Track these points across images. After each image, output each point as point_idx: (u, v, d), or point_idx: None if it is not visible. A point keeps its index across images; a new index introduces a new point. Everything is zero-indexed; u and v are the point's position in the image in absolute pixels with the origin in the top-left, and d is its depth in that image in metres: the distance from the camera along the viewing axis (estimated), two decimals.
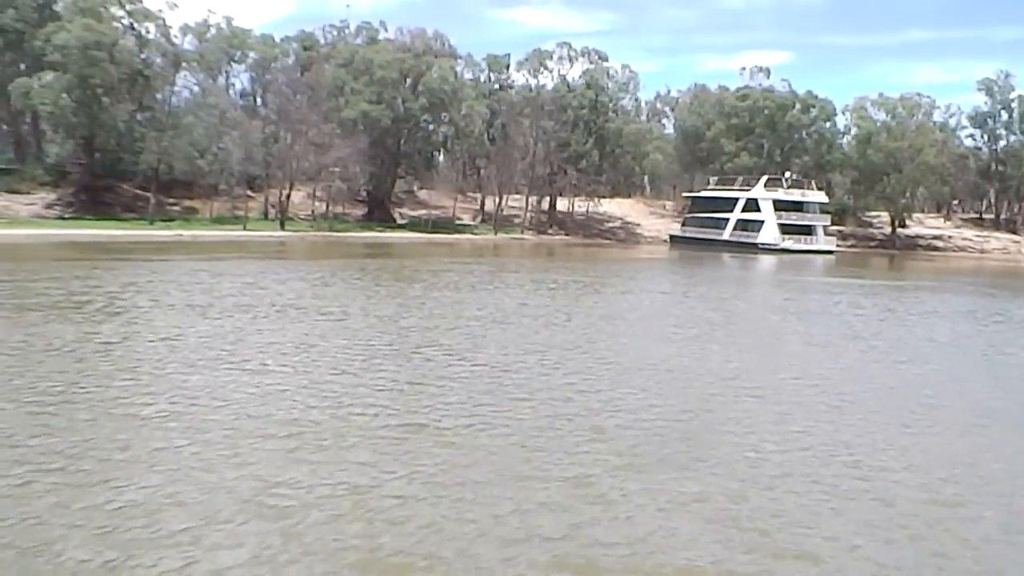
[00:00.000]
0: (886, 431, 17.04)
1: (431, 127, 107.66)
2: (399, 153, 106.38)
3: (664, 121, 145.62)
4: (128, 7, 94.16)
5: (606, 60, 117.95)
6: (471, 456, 14.23)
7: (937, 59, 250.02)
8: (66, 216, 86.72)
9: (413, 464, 13.65)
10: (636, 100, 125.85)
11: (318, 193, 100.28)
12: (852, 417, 18.13)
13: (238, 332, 25.63)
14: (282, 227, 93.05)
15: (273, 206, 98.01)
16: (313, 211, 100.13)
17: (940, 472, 14.49)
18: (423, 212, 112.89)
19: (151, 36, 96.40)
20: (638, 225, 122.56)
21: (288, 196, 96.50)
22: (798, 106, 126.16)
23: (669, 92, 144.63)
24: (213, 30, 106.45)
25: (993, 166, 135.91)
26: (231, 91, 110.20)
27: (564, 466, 13.83)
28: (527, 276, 52.43)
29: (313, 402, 17.27)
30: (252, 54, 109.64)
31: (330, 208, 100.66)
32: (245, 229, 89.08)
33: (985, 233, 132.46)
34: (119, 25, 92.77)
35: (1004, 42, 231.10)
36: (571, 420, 16.65)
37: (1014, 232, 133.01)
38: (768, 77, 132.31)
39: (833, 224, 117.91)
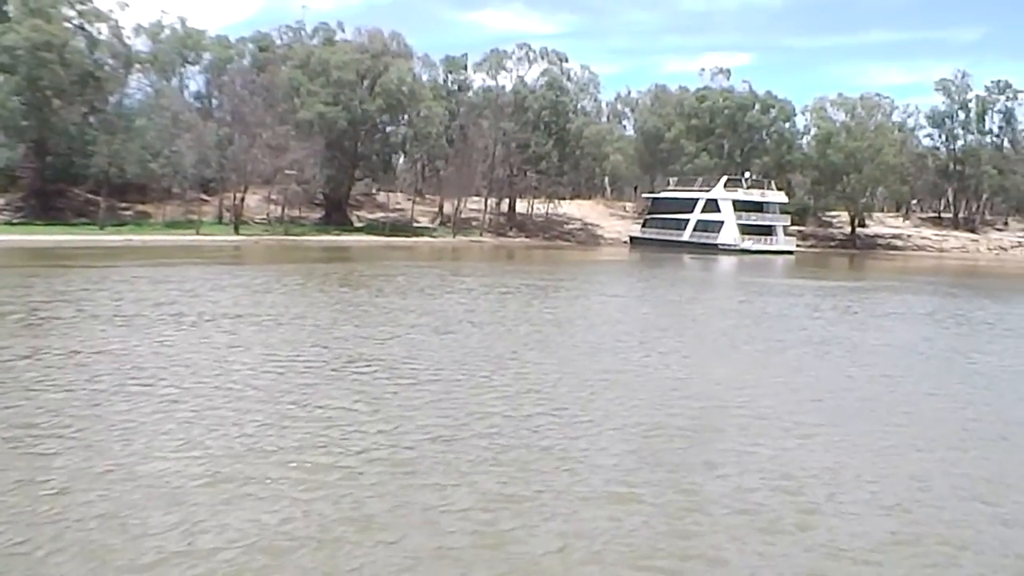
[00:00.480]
0: (839, 450, 15.78)
1: (389, 128, 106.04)
2: (356, 155, 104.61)
3: (625, 123, 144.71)
4: (79, 7, 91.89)
5: (566, 61, 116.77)
6: (377, 493, 12.81)
7: (897, 60, 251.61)
8: (15, 221, 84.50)
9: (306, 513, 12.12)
10: (596, 101, 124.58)
11: (274, 196, 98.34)
12: (804, 436, 16.88)
13: (158, 347, 24.04)
14: (236, 231, 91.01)
15: (228, 210, 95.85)
16: (268, 215, 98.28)
17: (897, 496, 13.26)
18: (381, 215, 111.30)
19: (103, 37, 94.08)
20: (598, 227, 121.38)
21: (242, 199, 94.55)
22: (758, 106, 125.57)
23: (630, 93, 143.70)
24: (167, 31, 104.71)
25: (951, 166, 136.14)
26: (185, 93, 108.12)
27: (474, 514, 12.44)
28: (479, 280, 50.90)
29: (198, 432, 15.46)
30: (207, 55, 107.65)
31: (286, 211, 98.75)
32: (198, 234, 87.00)
33: (944, 232, 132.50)
34: (69, 26, 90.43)
35: (964, 43, 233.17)
36: (496, 453, 15.22)
37: (972, 231, 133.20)
38: (728, 78, 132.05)
39: (793, 224, 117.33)
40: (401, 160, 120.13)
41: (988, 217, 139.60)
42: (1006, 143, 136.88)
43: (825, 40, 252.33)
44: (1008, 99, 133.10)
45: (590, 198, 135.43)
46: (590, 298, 42.24)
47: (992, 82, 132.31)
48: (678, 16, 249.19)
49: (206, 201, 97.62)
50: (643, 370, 23.25)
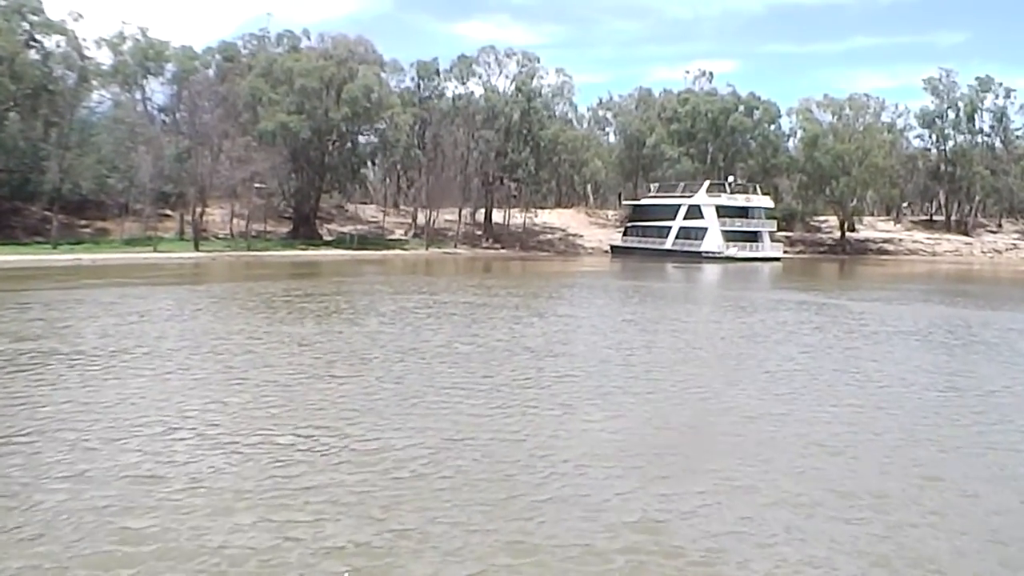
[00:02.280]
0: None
1: (357, 138, 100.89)
2: (323, 166, 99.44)
3: (608, 129, 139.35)
4: (31, 19, 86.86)
5: (538, 61, 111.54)
6: None
7: (882, 65, 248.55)
8: None
9: None
10: (572, 105, 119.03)
11: (240, 211, 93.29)
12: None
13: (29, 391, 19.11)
14: (196, 248, 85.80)
15: (190, 225, 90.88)
16: (232, 230, 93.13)
17: None
18: (354, 228, 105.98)
19: (60, 49, 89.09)
20: (579, 236, 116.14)
21: (201, 214, 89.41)
22: (741, 109, 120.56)
23: (612, 98, 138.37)
24: (129, 42, 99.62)
25: (942, 167, 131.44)
26: (148, 105, 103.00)
27: None
28: (429, 298, 45.85)
29: None
30: (169, 66, 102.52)
31: (253, 226, 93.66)
32: (155, 251, 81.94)
33: (936, 235, 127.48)
34: (20, 38, 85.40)
35: (948, 47, 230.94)
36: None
37: (965, 233, 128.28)
38: (711, 81, 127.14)
39: (781, 230, 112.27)
40: (374, 171, 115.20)
41: (981, 219, 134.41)
42: (998, 143, 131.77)
43: (810, 46, 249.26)
44: (997, 98, 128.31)
45: (571, 207, 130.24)
46: (555, 319, 36.94)
47: (976, 79, 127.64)
48: (663, 25, 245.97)
49: (168, 216, 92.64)
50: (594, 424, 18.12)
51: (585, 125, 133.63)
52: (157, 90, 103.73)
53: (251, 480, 13.70)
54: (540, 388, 21.23)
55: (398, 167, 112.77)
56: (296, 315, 36.11)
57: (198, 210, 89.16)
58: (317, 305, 40.45)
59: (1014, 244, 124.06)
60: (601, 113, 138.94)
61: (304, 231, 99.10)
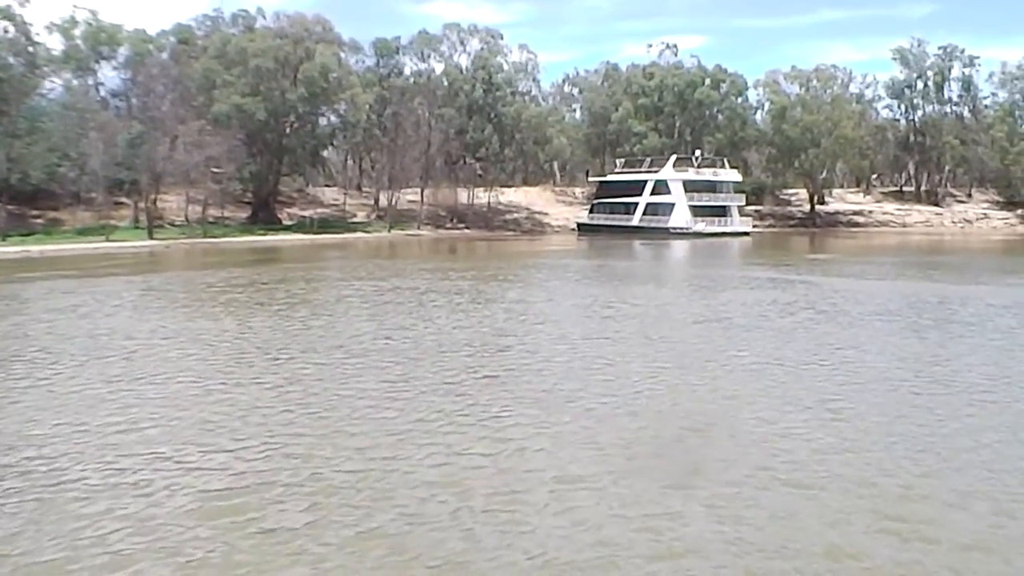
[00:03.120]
0: None
1: (316, 119, 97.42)
2: (281, 149, 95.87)
3: (575, 106, 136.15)
4: None
5: (501, 38, 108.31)
6: None
7: (849, 38, 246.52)
8: None
9: None
10: (536, 81, 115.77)
11: (197, 197, 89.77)
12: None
13: None
14: (150, 236, 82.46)
15: (145, 213, 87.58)
16: (187, 216, 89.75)
17: None
18: (316, 211, 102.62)
19: (8, 35, 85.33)
20: (545, 214, 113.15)
21: (154, 201, 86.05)
22: (708, 82, 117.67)
23: (578, 74, 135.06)
24: (81, 26, 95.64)
25: (912, 137, 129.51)
26: (101, 91, 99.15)
27: None
28: (395, 282, 42.99)
29: None
30: (123, 50, 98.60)
31: (211, 212, 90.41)
32: (108, 240, 78.61)
33: (906, 206, 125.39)
34: None
35: (916, 19, 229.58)
36: None
37: (935, 204, 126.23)
38: (676, 55, 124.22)
39: (750, 204, 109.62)
40: (336, 153, 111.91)
41: (951, 189, 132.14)
42: (967, 112, 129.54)
43: (777, 20, 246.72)
44: (965, 66, 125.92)
45: (537, 185, 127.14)
46: (495, 306, 34.00)
47: (941, 48, 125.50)
48: (631, 2, 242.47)
49: (123, 205, 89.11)
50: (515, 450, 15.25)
51: (551, 102, 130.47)
52: (111, 75, 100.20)
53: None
54: (459, 395, 18.28)
55: (360, 148, 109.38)
56: (223, 307, 33.16)
57: (153, 197, 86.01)
58: (252, 295, 37.48)
59: (984, 214, 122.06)
60: (567, 89, 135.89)
61: (263, 216, 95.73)
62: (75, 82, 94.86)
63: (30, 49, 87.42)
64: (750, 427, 15.65)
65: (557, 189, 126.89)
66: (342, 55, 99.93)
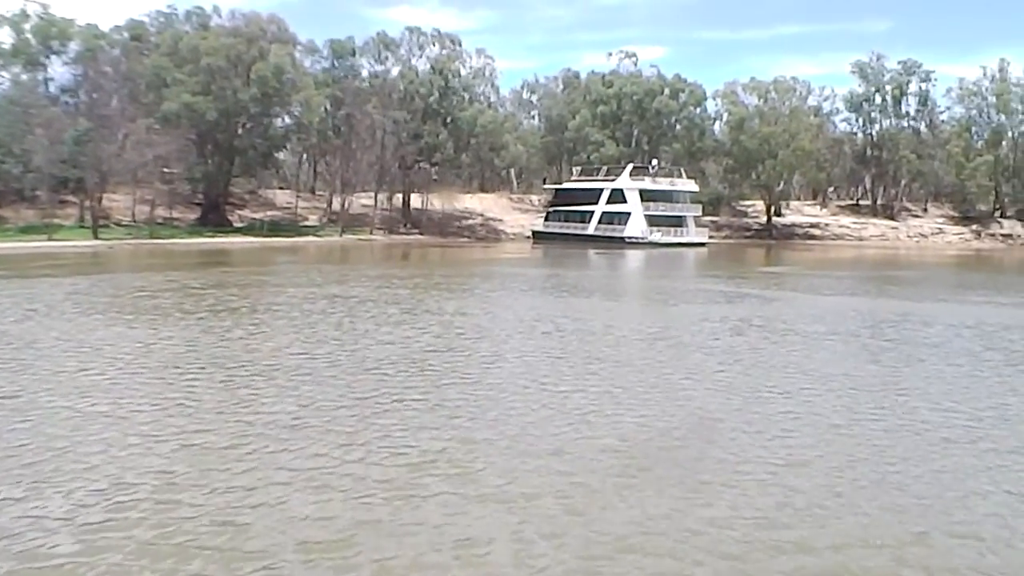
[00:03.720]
0: None
1: (269, 120, 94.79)
2: (232, 149, 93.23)
3: (533, 112, 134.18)
4: None
5: (459, 44, 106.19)
6: None
7: (808, 53, 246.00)
8: None
9: None
10: (493, 87, 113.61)
11: (147, 197, 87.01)
12: None
13: None
14: (95, 235, 79.61)
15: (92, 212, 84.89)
16: (135, 216, 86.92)
17: None
18: (268, 214, 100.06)
19: None
20: (501, 221, 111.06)
21: (99, 199, 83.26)
22: (667, 92, 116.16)
23: (537, 80, 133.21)
24: (32, 20, 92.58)
25: (869, 151, 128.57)
26: (50, 86, 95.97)
27: None
28: (331, 289, 40.82)
29: None
30: (73, 45, 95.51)
31: (160, 212, 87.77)
32: (51, 239, 75.77)
33: (862, 220, 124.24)
34: None
35: (875, 34, 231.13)
36: None
37: (891, 218, 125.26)
38: (635, 64, 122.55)
39: (707, 214, 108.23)
40: (289, 155, 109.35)
41: (907, 204, 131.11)
42: (923, 127, 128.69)
43: (738, 33, 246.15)
44: (922, 81, 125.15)
45: (494, 191, 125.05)
46: (427, 319, 31.98)
47: (900, 63, 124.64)
48: (593, 11, 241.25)
49: (70, 203, 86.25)
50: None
51: (508, 108, 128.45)
52: (61, 71, 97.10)
53: None
54: (360, 422, 16.25)
55: (314, 151, 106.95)
56: (142, 315, 30.81)
57: (99, 196, 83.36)
58: (179, 301, 35.19)
59: (939, 228, 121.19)
60: (525, 96, 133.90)
61: (213, 218, 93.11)
62: (24, 77, 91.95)
63: None
64: (680, 472, 13.74)
65: (514, 196, 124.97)
66: (297, 56, 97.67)
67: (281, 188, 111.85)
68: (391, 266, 64.11)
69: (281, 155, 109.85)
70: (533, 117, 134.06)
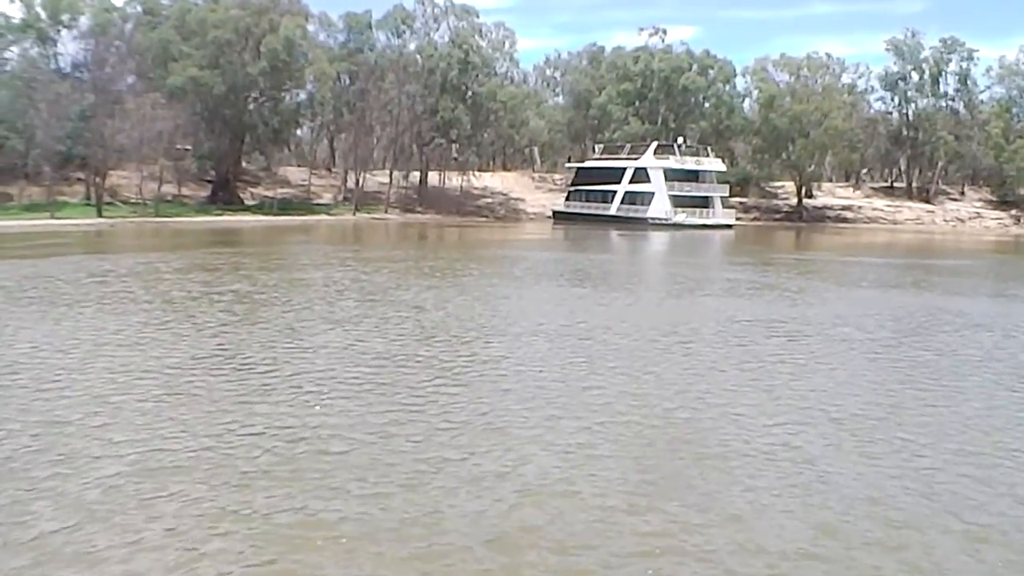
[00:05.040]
0: None
1: (279, 95, 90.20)
2: (242, 125, 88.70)
3: (557, 89, 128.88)
4: None
5: (476, 16, 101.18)
6: None
7: (840, 33, 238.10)
8: None
9: None
10: (513, 60, 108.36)
11: (155, 173, 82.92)
12: None
13: None
14: (99, 213, 75.66)
15: (106, 189, 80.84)
16: (141, 193, 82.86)
17: None
18: (285, 191, 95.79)
19: None
20: (521, 200, 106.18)
21: (104, 176, 79.12)
22: (695, 68, 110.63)
23: (560, 56, 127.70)
24: None
25: (904, 131, 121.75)
26: (60, 61, 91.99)
27: None
28: (311, 274, 36.35)
29: None
30: (84, 19, 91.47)
31: (169, 190, 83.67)
32: (53, 217, 71.89)
33: (897, 203, 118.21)
34: None
35: (908, 15, 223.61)
36: None
37: (927, 201, 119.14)
38: (663, 40, 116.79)
39: (735, 195, 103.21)
40: (305, 131, 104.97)
41: (943, 186, 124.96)
42: (961, 107, 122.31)
43: (769, 13, 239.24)
44: (963, 60, 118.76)
45: (516, 170, 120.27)
46: (422, 313, 27.43)
47: (941, 40, 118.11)
48: None
49: (80, 180, 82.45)
50: None
51: (532, 84, 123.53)
52: (71, 46, 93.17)
53: None
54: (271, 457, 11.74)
55: (330, 127, 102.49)
56: (80, 303, 26.51)
57: (103, 172, 79.21)
58: (135, 285, 30.96)
59: (977, 213, 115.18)
60: (549, 72, 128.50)
61: (223, 195, 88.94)
62: (34, 52, 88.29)
63: None
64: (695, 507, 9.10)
65: (536, 175, 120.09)
66: (311, 29, 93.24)
67: (299, 165, 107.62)
68: (399, 247, 59.46)
69: (300, 132, 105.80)
70: (557, 94, 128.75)
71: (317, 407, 15.23)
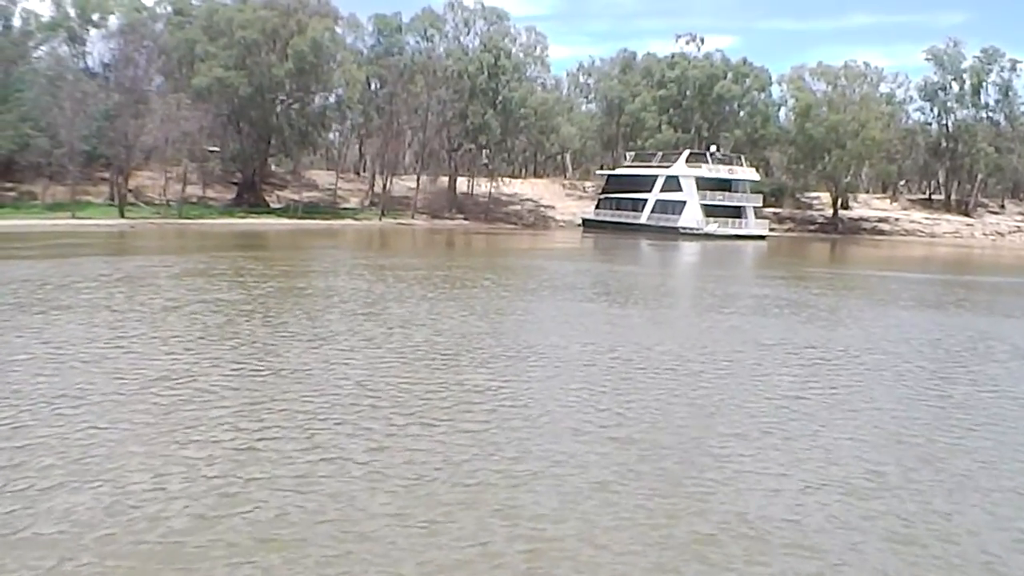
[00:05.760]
0: None
1: (306, 97, 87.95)
2: (268, 127, 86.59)
3: (590, 96, 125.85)
4: None
5: (507, 20, 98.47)
6: None
7: (880, 44, 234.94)
8: None
9: None
10: (544, 65, 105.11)
11: (181, 175, 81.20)
12: None
13: None
14: (121, 214, 73.77)
15: (130, 190, 79.22)
16: (164, 194, 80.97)
17: None
18: (312, 195, 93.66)
19: None
20: (552, 208, 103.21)
21: (127, 177, 77.37)
22: (730, 76, 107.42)
23: (594, 63, 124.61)
24: None
25: (943, 143, 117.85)
26: (88, 61, 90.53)
27: None
28: (316, 281, 33.82)
29: None
30: (114, 19, 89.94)
31: (187, 191, 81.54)
32: (74, 217, 70.16)
33: (935, 215, 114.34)
34: None
35: (947, 27, 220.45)
36: None
37: (966, 214, 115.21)
38: (699, 48, 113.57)
39: (769, 206, 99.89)
40: (334, 135, 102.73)
41: (983, 199, 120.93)
42: (1002, 119, 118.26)
43: (807, 23, 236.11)
44: (1004, 71, 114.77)
45: (547, 177, 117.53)
46: (393, 332, 24.83)
47: (982, 50, 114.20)
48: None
49: (104, 180, 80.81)
50: None
51: (565, 90, 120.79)
52: (101, 45, 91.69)
53: None
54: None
55: (361, 131, 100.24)
56: (51, 309, 24.19)
57: (126, 172, 77.53)
58: (113, 293, 28.60)
59: (1018, 227, 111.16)
60: (582, 79, 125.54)
61: (249, 197, 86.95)
62: (63, 51, 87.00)
63: (15, 16, 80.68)
64: None
65: (567, 182, 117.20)
66: (339, 31, 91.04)
67: (330, 169, 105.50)
68: (419, 254, 57.25)
69: (331, 135, 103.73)
70: (590, 101, 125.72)
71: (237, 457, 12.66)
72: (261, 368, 18.44)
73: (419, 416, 15.03)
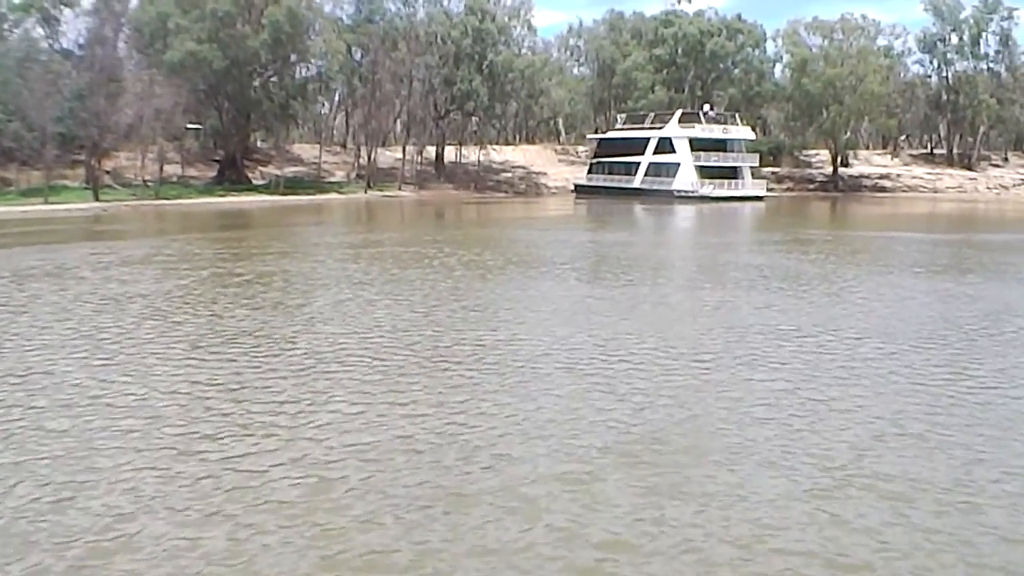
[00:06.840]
0: None
1: (285, 69, 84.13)
2: (246, 101, 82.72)
3: (581, 59, 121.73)
4: None
5: None
6: None
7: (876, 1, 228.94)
8: None
9: None
10: (531, 28, 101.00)
11: (164, 155, 77.77)
12: None
13: None
14: (95, 197, 70.34)
15: (108, 172, 75.88)
16: (141, 175, 77.54)
17: None
18: (296, 169, 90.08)
19: None
20: (543, 174, 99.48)
21: (99, 158, 73.91)
22: (723, 32, 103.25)
23: (582, 24, 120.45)
24: None
25: (944, 95, 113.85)
26: (65, 42, 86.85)
27: None
28: (282, 265, 30.34)
29: None
30: None
31: (166, 170, 78.10)
32: (47, 202, 66.79)
33: (937, 170, 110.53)
34: None
35: None
36: None
37: (968, 168, 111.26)
38: (690, 1, 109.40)
39: (767, 164, 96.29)
40: (318, 107, 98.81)
41: (985, 152, 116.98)
42: (1003, 70, 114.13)
43: None
44: (1003, 19, 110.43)
45: (539, 143, 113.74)
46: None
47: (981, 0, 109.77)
48: None
49: (81, 163, 77.31)
50: None
51: (555, 55, 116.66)
52: (77, 25, 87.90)
53: None
54: None
55: (346, 102, 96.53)
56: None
57: (99, 153, 74.12)
58: (49, 287, 25.14)
59: (1022, 179, 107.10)
60: (572, 42, 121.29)
61: (231, 175, 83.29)
62: (37, 32, 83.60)
63: None
64: None
65: (559, 148, 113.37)
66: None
67: (317, 143, 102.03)
68: (397, 228, 53.81)
69: (317, 107, 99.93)
70: (582, 64, 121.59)
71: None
72: (150, 376, 14.87)
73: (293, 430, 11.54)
